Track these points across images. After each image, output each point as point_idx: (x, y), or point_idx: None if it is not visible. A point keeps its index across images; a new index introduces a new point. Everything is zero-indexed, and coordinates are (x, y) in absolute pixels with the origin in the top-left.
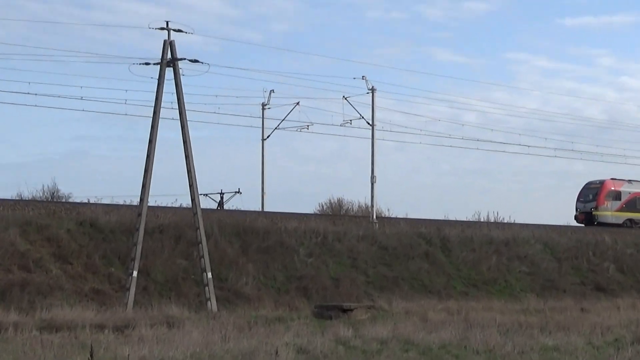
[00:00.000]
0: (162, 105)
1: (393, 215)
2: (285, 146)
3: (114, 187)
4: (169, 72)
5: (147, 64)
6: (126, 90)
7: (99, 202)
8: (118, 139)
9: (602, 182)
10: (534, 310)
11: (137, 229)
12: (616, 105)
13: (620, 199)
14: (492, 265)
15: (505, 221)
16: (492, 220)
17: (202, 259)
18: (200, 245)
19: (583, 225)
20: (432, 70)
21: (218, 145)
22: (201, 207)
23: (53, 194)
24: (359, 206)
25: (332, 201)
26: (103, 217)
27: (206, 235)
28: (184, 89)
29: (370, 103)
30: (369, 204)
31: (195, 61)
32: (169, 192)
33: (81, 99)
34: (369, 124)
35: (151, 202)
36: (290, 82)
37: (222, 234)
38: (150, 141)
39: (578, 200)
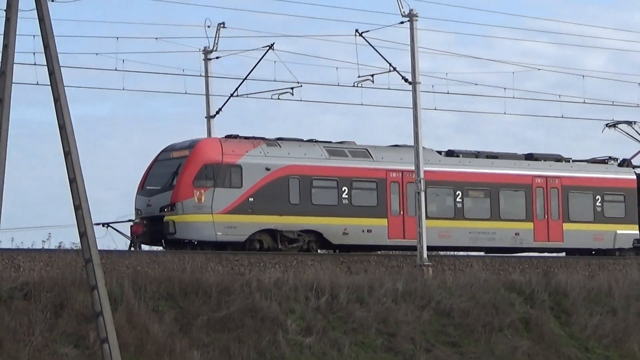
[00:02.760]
0: (14, 61)
1: (459, 253)
2: (249, 126)
3: None
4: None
5: None
6: None
7: None
8: None
9: (192, 147)
10: None
11: None
12: None
13: (238, 184)
14: None
15: None
16: None
17: (106, 345)
18: (100, 318)
19: (148, 244)
20: None
21: (127, 128)
22: (97, 247)
23: None
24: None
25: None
26: None
27: (112, 301)
28: (55, 27)
29: (409, 43)
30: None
31: None
32: (36, 221)
33: None
34: (406, 80)
35: (4, 242)
36: (254, 6)
37: (141, 298)
38: None
39: (139, 191)
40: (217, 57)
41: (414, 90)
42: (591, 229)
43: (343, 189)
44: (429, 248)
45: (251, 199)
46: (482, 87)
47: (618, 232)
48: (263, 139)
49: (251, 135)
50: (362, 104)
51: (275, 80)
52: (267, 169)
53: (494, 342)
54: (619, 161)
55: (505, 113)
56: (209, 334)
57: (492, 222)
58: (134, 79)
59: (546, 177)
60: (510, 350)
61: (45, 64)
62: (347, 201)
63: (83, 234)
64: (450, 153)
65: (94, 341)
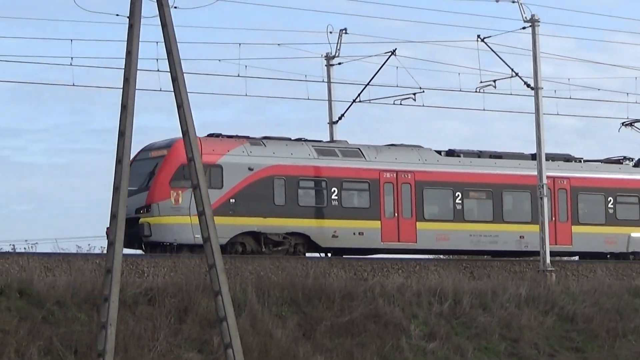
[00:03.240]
0: (138, 68)
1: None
2: (371, 132)
3: (45, 222)
4: (148, 5)
5: None
6: (71, 41)
7: (30, 249)
8: (57, 128)
9: (169, 146)
10: None
11: (106, 299)
12: None
13: (218, 184)
14: None
15: None
16: None
17: (229, 350)
18: (224, 323)
19: (129, 248)
20: None
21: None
22: (220, 252)
23: None
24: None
25: None
26: (41, 281)
27: (236, 306)
28: (178, 34)
29: (531, 48)
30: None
31: None
32: None
33: None
34: (528, 86)
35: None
36: (375, 12)
37: (265, 303)
38: (122, 133)
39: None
40: (339, 63)
41: (536, 96)
42: (603, 232)
43: (332, 190)
44: (425, 251)
45: (232, 200)
46: (604, 92)
47: (632, 235)
48: (247, 137)
49: (234, 134)
50: (484, 110)
51: (397, 86)
52: (250, 169)
53: (618, 347)
54: (634, 161)
55: (627, 118)
56: (332, 339)
57: (494, 224)
58: (256, 84)
59: (554, 178)
60: (635, 356)
61: (169, 70)
62: (336, 203)
63: (206, 240)
64: (450, 153)
65: (218, 346)
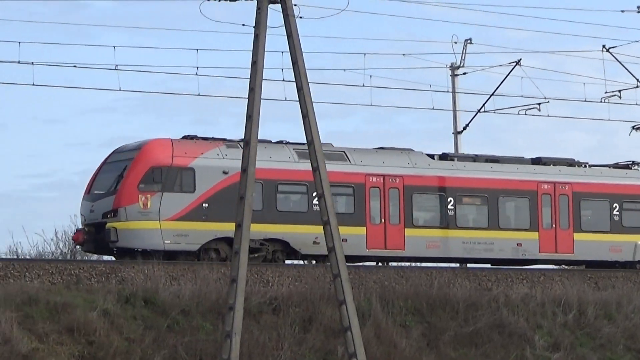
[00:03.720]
0: (263, 78)
1: None
2: (495, 142)
3: None
4: (273, 15)
5: None
6: (197, 51)
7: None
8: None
9: (139, 148)
10: None
11: (231, 308)
12: None
13: (190, 188)
14: None
15: None
16: None
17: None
18: (348, 333)
19: (94, 252)
20: None
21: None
22: (344, 262)
23: (69, 245)
24: None
25: None
26: (166, 290)
27: (360, 316)
28: (304, 44)
29: None
30: None
31: None
32: None
33: (115, 68)
34: None
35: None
36: (500, 22)
37: (389, 313)
38: (247, 143)
39: (84, 196)
40: (464, 73)
41: None
42: (607, 240)
43: (314, 195)
44: (415, 259)
45: (205, 205)
46: None
47: (639, 243)
48: (224, 140)
49: (210, 136)
50: (608, 120)
51: (521, 96)
52: (225, 172)
53: None
54: None
55: None
56: (456, 349)
57: (489, 231)
58: (381, 94)
59: (554, 183)
60: None
61: (294, 80)
62: (318, 208)
63: (331, 249)
64: (444, 157)
65: (342, 356)
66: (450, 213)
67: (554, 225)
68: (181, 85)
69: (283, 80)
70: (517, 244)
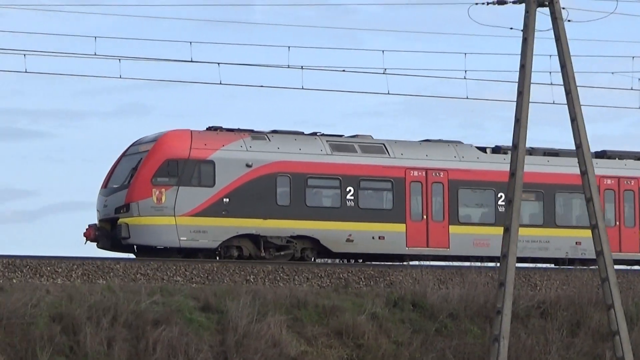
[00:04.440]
0: (531, 81)
1: None
2: None
3: None
4: (541, 18)
5: (500, 2)
6: (465, 55)
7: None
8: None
9: (155, 140)
10: None
11: (499, 311)
12: None
13: (210, 182)
14: None
15: None
16: None
17: None
18: (616, 337)
19: (110, 249)
20: None
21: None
22: (613, 266)
23: None
24: None
25: None
26: (434, 293)
27: (628, 319)
28: (572, 47)
29: None
30: None
31: None
32: None
33: (384, 72)
34: None
35: None
36: None
37: None
38: (515, 146)
39: (101, 190)
40: None
41: None
42: None
43: (348, 189)
44: (459, 258)
45: (226, 200)
46: None
47: None
48: (250, 131)
49: (236, 127)
50: None
51: None
52: (248, 166)
53: None
54: None
55: None
56: None
57: (545, 229)
58: None
59: (618, 178)
60: None
61: (562, 83)
62: (352, 203)
63: (599, 253)
64: (496, 150)
65: None
66: (501, 209)
67: (617, 223)
68: (448, 89)
69: (551, 84)
70: (576, 243)
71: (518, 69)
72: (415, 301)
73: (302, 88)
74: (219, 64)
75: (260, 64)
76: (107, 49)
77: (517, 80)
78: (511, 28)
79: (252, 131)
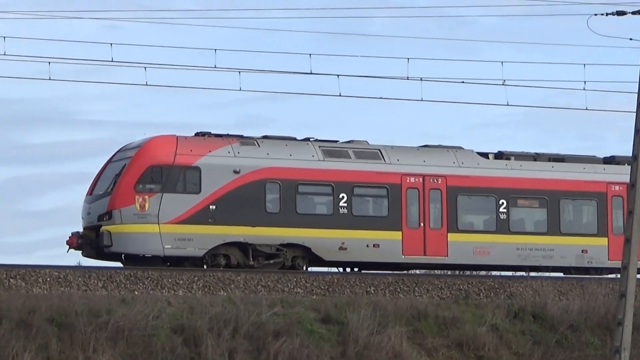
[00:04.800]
0: None
1: None
2: None
3: None
4: None
5: (619, 13)
6: (584, 65)
7: None
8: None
9: (139, 146)
10: None
11: (620, 323)
12: None
13: (195, 189)
14: None
15: None
16: None
17: None
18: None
19: (95, 258)
20: None
21: None
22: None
23: None
24: None
25: None
26: (554, 305)
27: None
28: None
29: None
30: None
31: None
32: None
33: (503, 83)
34: None
35: None
36: None
37: None
38: (635, 157)
39: (86, 197)
40: None
41: None
42: None
43: (341, 196)
44: (459, 267)
45: (213, 207)
46: None
47: None
48: (239, 137)
49: (225, 133)
50: None
51: None
52: (236, 172)
53: None
54: None
55: None
56: None
57: (549, 236)
58: None
59: (627, 185)
60: None
61: None
62: (345, 210)
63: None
64: (499, 155)
65: None
66: (503, 217)
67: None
68: (567, 100)
69: None
70: (582, 251)
71: (637, 80)
72: (535, 313)
73: (422, 100)
74: (338, 75)
75: (380, 75)
76: (227, 62)
77: (636, 91)
78: (631, 39)
79: (241, 137)
